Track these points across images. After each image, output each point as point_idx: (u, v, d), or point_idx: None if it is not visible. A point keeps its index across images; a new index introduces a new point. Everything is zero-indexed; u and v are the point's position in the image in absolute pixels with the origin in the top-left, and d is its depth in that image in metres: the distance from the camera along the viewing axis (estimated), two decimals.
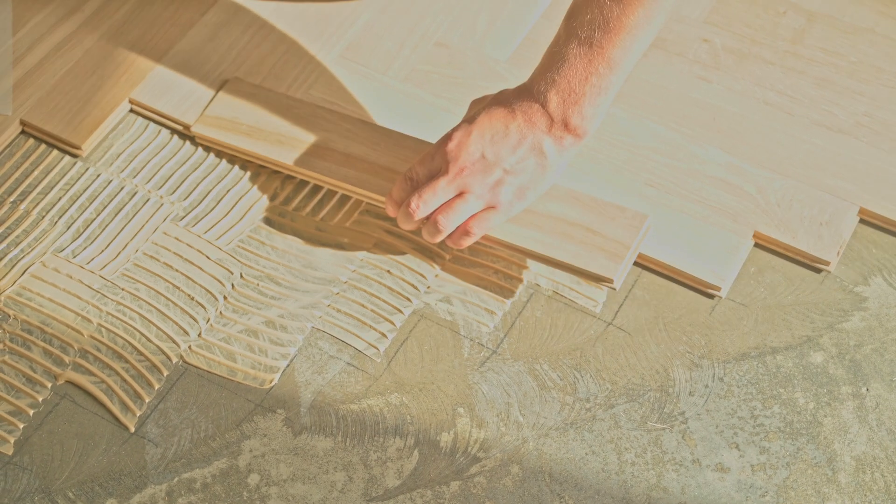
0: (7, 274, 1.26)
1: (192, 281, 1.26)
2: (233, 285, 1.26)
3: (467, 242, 1.23)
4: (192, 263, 1.27)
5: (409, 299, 1.25)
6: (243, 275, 1.27)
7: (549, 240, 1.23)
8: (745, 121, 1.36)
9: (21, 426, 1.17)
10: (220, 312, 1.24)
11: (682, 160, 1.33)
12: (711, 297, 1.26)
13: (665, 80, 1.39)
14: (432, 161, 1.22)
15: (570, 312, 1.25)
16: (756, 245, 1.29)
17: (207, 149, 1.35)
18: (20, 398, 1.18)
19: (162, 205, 1.31)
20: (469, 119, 1.22)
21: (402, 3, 1.46)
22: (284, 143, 1.32)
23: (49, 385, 1.19)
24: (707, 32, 1.44)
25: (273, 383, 1.20)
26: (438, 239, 1.23)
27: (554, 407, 1.19)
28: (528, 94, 1.21)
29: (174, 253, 1.28)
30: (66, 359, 1.21)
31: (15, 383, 1.19)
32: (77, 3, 1.46)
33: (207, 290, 1.25)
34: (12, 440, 1.16)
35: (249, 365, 1.21)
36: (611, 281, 1.21)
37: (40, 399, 1.19)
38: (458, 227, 1.22)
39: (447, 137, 1.22)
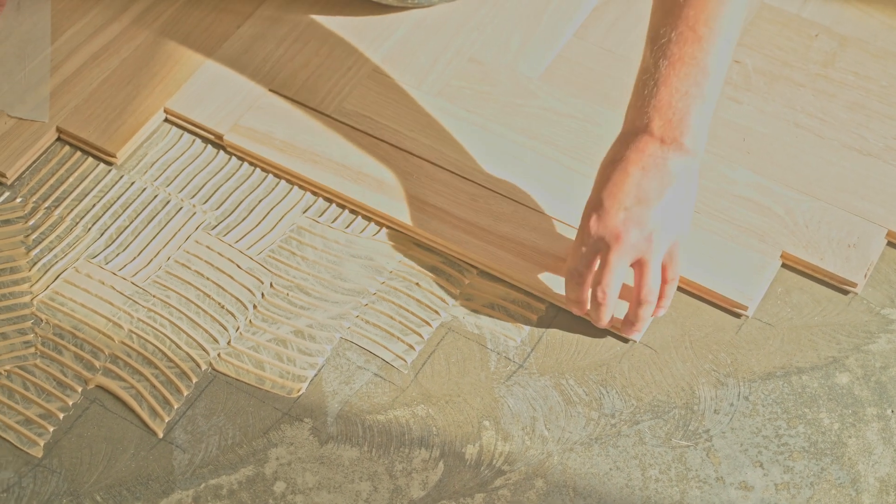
0: (40, 279, 1.27)
1: (223, 289, 1.27)
2: (263, 294, 1.27)
3: (671, 290, 1.22)
4: (223, 272, 1.28)
5: (437, 312, 1.26)
6: (273, 284, 1.28)
7: None
8: (775, 142, 1.37)
9: (51, 429, 1.18)
10: (250, 321, 1.25)
11: (712, 179, 1.34)
12: (738, 316, 1.26)
13: None
14: (583, 248, 1.19)
15: (597, 328, 1.25)
16: (783, 265, 1.29)
17: (241, 159, 1.36)
18: (51, 401, 1.20)
19: (194, 213, 1.32)
20: (593, 195, 1.19)
21: (437, 18, 1.47)
22: (318, 162, 1.34)
23: (79, 389, 1.21)
24: (739, 54, 1.44)
25: (301, 392, 1.21)
26: (661, 311, 1.22)
27: (579, 422, 1.20)
28: (630, 135, 1.19)
29: (205, 261, 1.29)
30: (97, 363, 1.22)
31: (46, 386, 1.20)
32: (115, 14, 1.47)
33: (237, 299, 1.27)
34: (42, 443, 1.17)
35: (278, 374, 1.22)
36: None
37: (70, 403, 1.20)
38: (665, 277, 1.21)
39: (585, 223, 1.19)
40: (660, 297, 1.22)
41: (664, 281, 1.21)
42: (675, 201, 1.18)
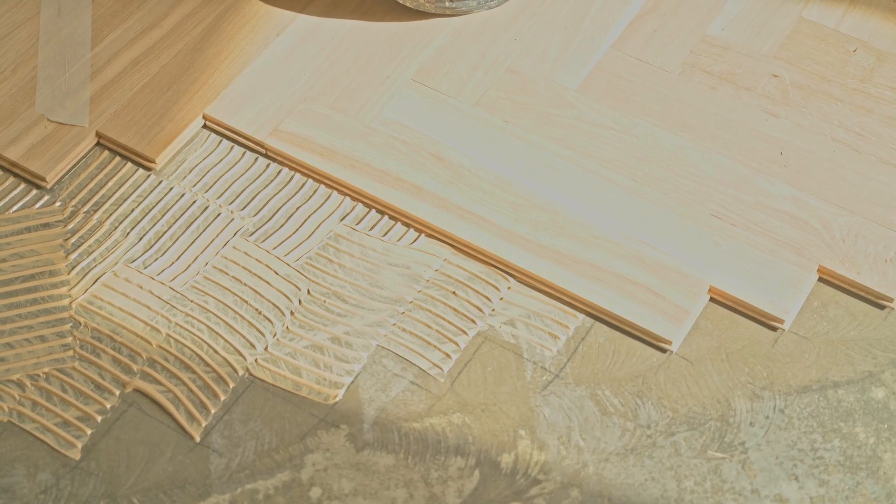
0: (79, 282, 1.28)
1: (260, 295, 1.28)
2: (300, 301, 1.28)
3: None
4: (261, 278, 1.29)
5: (473, 321, 1.27)
6: (310, 291, 1.28)
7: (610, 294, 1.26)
8: (812, 156, 1.37)
9: (89, 432, 1.19)
10: (287, 327, 1.26)
11: (749, 193, 1.34)
12: (774, 329, 1.26)
13: (733, 113, 1.40)
14: None
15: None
16: (820, 279, 1.29)
17: (280, 164, 1.37)
18: (88, 404, 1.20)
19: (232, 220, 1.33)
20: None
21: (476, 28, 1.48)
22: (357, 167, 1.34)
23: (117, 392, 1.21)
24: (776, 68, 1.45)
25: (337, 399, 1.21)
26: None
27: (615, 432, 1.20)
28: None
29: (243, 267, 1.30)
30: (135, 367, 1.23)
31: (84, 389, 1.21)
32: (155, 20, 1.48)
33: (275, 305, 1.27)
34: (80, 445, 1.18)
35: (314, 380, 1.23)
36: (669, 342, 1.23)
37: (108, 406, 1.20)
38: None
39: None
40: None
41: None
42: None
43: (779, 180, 1.35)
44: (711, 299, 1.28)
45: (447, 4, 1.45)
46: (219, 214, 1.33)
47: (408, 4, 1.46)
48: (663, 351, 1.25)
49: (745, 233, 1.31)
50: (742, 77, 1.44)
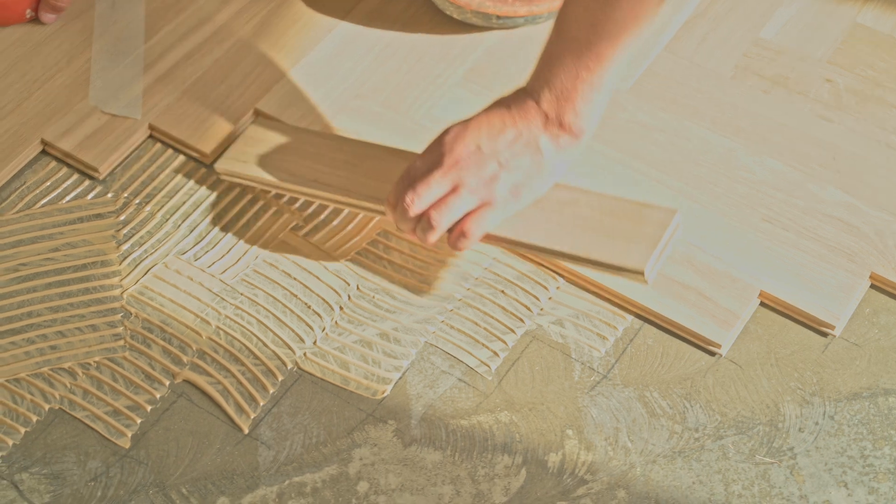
0: (130, 273, 1.29)
1: (310, 290, 1.28)
2: (349, 296, 1.28)
3: (466, 245, 1.20)
4: (310, 273, 1.29)
5: (521, 320, 1.27)
6: (360, 287, 1.28)
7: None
8: (865, 162, 1.36)
9: (139, 421, 1.19)
10: (336, 322, 1.26)
11: (801, 198, 1.33)
12: (825, 335, 1.26)
13: (786, 117, 1.40)
14: (429, 156, 1.21)
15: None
16: (872, 286, 1.29)
17: None
18: (139, 394, 1.21)
19: (283, 214, 1.33)
20: (467, 118, 1.22)
21: (526, 29, 1.48)
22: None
23: (167, 383, 1.22)
24: (830, 72, 1.44)
25: (385, 394, 1.22)
26: (432, 238, 1.20)
27: (663, 434, 1.20)
28: (524, 93, 1.20)
29: (293, 261, 1.30)
30: (185, 358, 1.23)
31: (134, 379, 1.22)
32: (208, 14, 1.49)
33: (324, 300, 1.27)
34: (130, 434, 1.19)
35: (363, 375, 1.23)
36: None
37: (158, 396, 1.21)
38: (455, 229, 1.20)
39: (445, 132, 1.21)
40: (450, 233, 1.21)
41: (459, 228, 1.20)
42: (522, 179, 1.20)
43: (831, 185, 1.34)
44: (762, 304, 1.28)
45: (494, 21, 1.45)
46: (269, 208, 1.34)
47: (455, 17, 1.46)
48: (712, 354, 1.25)
49: (797, 238, 1.31)
50: (795, 81, 1.43)
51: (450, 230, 1.21)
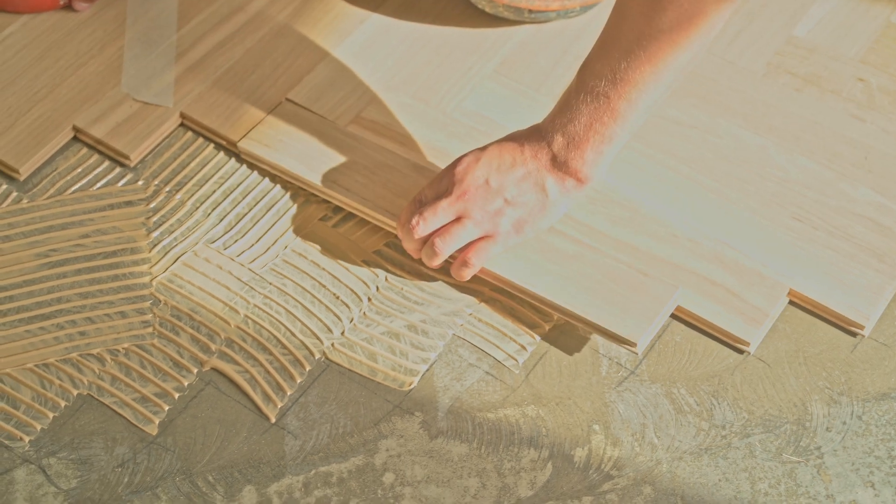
0: (160, 260, 1.29)
1: (339, 280, 1.28)
2: (377, 287, 1.28)
3: (467, 274, 1.25)
4: (339, 263, 1.29)
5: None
6: (388, 278, 1.29)
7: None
8: None
9: (166, 408, 1.20)
10: (364, 313, 1.26)
11: (832, 197, 1.33)
12: (854, 335, 1.25)
13: (819, 116, 1.39)
14: (440, 183, 1.25)
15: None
16: None
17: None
18: (167, 381, 1.21)
19: (312, 204, 1.33)
20: (481, 147, 1.25)
21: (559, 23, 1.48)
22: (436, 157, 1.34)
23: (195, 371, 1.22)
24: (863, 72, 1.43)
25: (412, 386, 1.22)
26: (435, 262, 1.25)
27: (689, 431, 1.19)
28: (538, 133, 1.24)
29: (322, 252, 1.30)
30: (213, 346, 1.23)
31: (162, 366, 1.22)
32: (241, 4, 1.49)
33: (352, 291, 1.28)
34: (157, 421, 1.19)
35: (390, 366, 1.23)
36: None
37: (186, 383, 1.21)
38: (458, 257, 1.24)
39: (457, 161, 1.25)
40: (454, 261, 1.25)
41: (462, 257, 1.24)
42: (526, 216, 1.23)
43: (863, 185, 1.34)
44: (791, 302, 1.27)
45: (526, 15, 1.45)
46: (299, 199, 1.34)
47: (487, 10, 1.46)
48: (740, 352, 1.24)
49: (827, 237, 1.30)
50: (828, 80, 1.43)
51: (452, 257, 1.25)
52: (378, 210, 1.30)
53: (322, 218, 1.33)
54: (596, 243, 1.28)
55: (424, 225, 1.23)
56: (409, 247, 1.26)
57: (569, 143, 1.21)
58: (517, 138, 1.25)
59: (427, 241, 1.24)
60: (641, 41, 1.15)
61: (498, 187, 1.23)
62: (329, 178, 1.32)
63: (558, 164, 1.22)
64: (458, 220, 1.23)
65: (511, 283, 1.25)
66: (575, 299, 1.23)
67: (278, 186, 1.35)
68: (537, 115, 1.39)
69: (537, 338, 1.25)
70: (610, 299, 1.23)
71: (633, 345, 1.22)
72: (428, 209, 1.23)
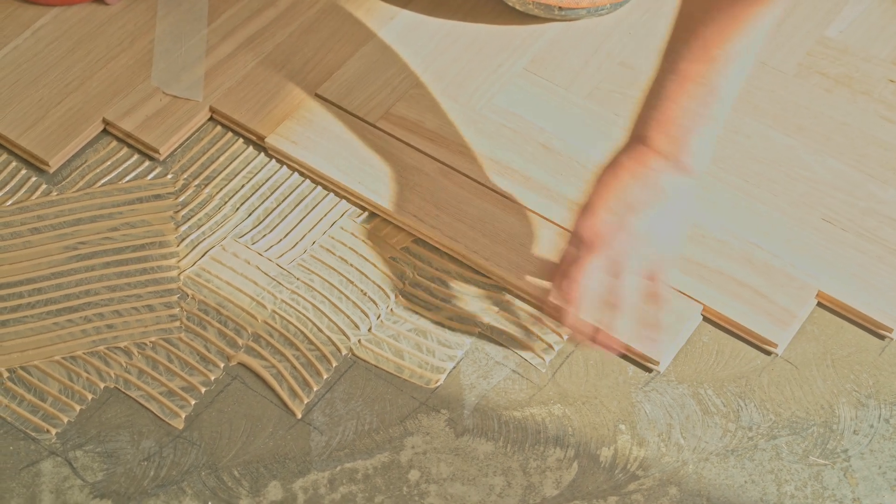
0: (188, 254, 1.29)
1: (366, 277, 1.28)
2: (405, 284, 1.28)
3: (665, 304, 1.19)
4: (367, 260, 1.29)
5: None
6: (416, 275, 1.29)
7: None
8: None
9: (192, 402, 1.20)
10: (391, 310, 1.26)
11: (861, 198, 1.32)
12: (882, 337, 1.25)
13: (848, 117, 1.39)
14: (570, 248, 1.19)
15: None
16: None
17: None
18: (193, 375, 1.22)
19: (340, 200, 1.33)
20: (585, 198, 1.18)
21: (590, 20, 1.47)
22: (466, 154, 1.35)
23: (222, 365, 1.22)
24: (894, 73, 1.43)
25: (438, 384, 1.22)
26: (623, 318, 1.19)
27: (716, 432, 1.19)
28: (631, 144, 1.17)
29: (350, 248, 1.30)
30: (240, 341, 1.24)
31: (189, 360, 1.22)
32: None
33: (380, 287, 1.28)
34: (183, 415, 1.19)
35: (416, 363, 1.23)
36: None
37: (212, 378, 1.22)
38: (647, 302, 1.19)
39: (573, 223, 1.18)
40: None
41: (648, 296, 1.18)
42: (664, 217, 1.17)
43: (892, 187, 1.33)
44: (819, 304, 1.27)
45: (556, 12, 1.45)
46: (327, 194, 1.34)
47: (517, 8, 1.46)
48: (768, 353, 1.24)
49: (856, 238, 1.30)
50: (859, 81, 1.42)
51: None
52: (405, 214, 1.29)
53: (350, 214, 1.33)
54: None
55: (582, 289, 1.16)
56: (563, 318, 1.19)
57: (671, 136, 1.14)
58: (616, 164, 1.17)
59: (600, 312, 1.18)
60: (728, 6, 1.09)
61: (627, 216, 1.16)
62: (356, 178, 1.32)
63: (668, 163, 1.15)
64: (615, 274, 1.17)
65: (536, 295, 1.25)
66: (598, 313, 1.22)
67: (307, 182, 1.35)
68: (567, 115, 1.39)
69: (564, 336, 1.25)
70: (634, 316, 1.22)
71: (656, 363, 1.21)
72: (576, 272, 1.16)
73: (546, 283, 1.25)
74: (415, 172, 1.33)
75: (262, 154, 1.37)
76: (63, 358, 1.22)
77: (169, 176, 1.35)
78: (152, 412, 1.19)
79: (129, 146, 1.37)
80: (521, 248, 1.28)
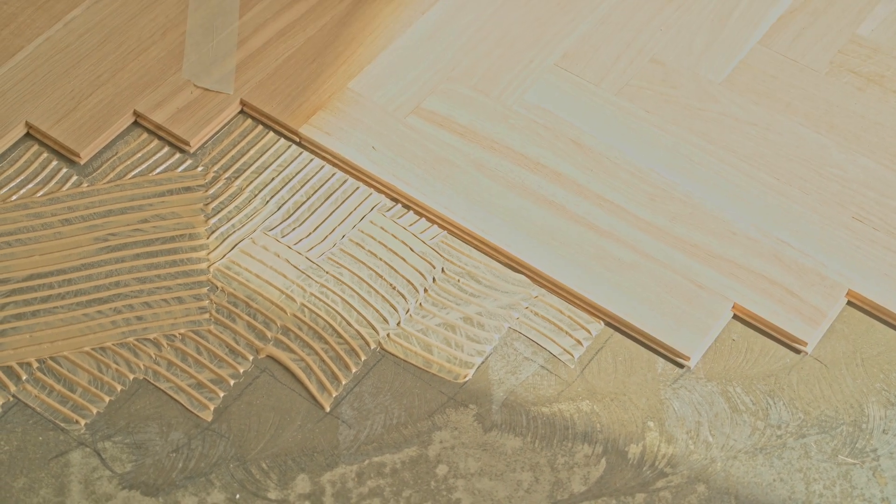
0: (218, 247, 1.30)
1: (395, 271, 1.28)
2: (434, 279, 1.28)
3: None
4: (396, 254, 1.29)
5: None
6: (445, 270, 1.29)
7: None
8: None
9: (221, 395, 1.20)
10: (420, 304, 1.26)
11: (892, 197, 1.32)
12: None
13: (881, 116, 1.38)
14: None
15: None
16: None
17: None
18: (222, 367, 1.22)
19: (370, 194, 1.34)
20: None
21: (621, 17, 1.47)
22: (496, 149, 1.34)
23: (250, 358, 1.22)
24: None
25: (467, 378, 1.22)
26: None
27: (745, 430, 1.19)
28: None
29: (379, 242, 1.30)
30: (269, 334, 1.24)
31: (218, 352, 1.22)
32: None
33: (409, 282, 1.28)
34: (212, 407, 1.19)
35: (445, 358, 1.23)
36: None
37: (241, 370, 1.22)
38: None
39: None
40: None
41: None
42: None
43: None
44: (849, 303, 1.26)
45: None
46: (357, 188, 1.34)
47: None
48: (797, 352, 1.24)
49: (887, 238, 1.29)
50: (891, 79, 1.41)
51: None
52: (437, 205, 1.29)
53: (379, 208, 1.33)
54: (655, 241, 1.28)
55: None
56: None
57: None
58: None
59: None
60: None
61: None
62: (389, 170, 1.32)
63: None
64: None
65: (568, 289, 1.25)
66: (630, 309, 1.23)
67: (337, 176, 1.35)
68: (597, 111, 1.38)
69: (593, 333, 1.25)
70: (664, 311, 1.22)
71: (687, 359, 1.21)
72: None
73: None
74: (447, 165, 1.33)
75: (293, 147, 1.37)
76: (93, 349, 1.23)
77: (199, 168, 1.36)
78: (181, 404, 1.20)
79: (160, 138, 1.38)
80: (552, 243, 1.28)
